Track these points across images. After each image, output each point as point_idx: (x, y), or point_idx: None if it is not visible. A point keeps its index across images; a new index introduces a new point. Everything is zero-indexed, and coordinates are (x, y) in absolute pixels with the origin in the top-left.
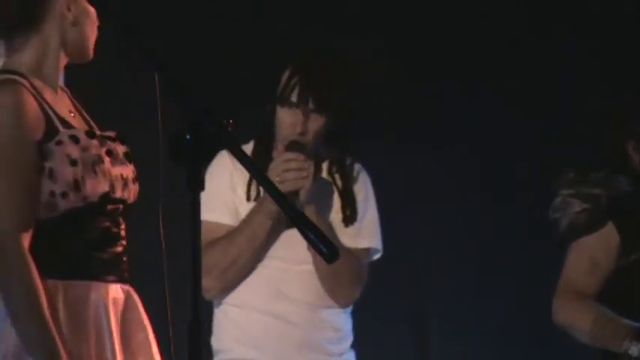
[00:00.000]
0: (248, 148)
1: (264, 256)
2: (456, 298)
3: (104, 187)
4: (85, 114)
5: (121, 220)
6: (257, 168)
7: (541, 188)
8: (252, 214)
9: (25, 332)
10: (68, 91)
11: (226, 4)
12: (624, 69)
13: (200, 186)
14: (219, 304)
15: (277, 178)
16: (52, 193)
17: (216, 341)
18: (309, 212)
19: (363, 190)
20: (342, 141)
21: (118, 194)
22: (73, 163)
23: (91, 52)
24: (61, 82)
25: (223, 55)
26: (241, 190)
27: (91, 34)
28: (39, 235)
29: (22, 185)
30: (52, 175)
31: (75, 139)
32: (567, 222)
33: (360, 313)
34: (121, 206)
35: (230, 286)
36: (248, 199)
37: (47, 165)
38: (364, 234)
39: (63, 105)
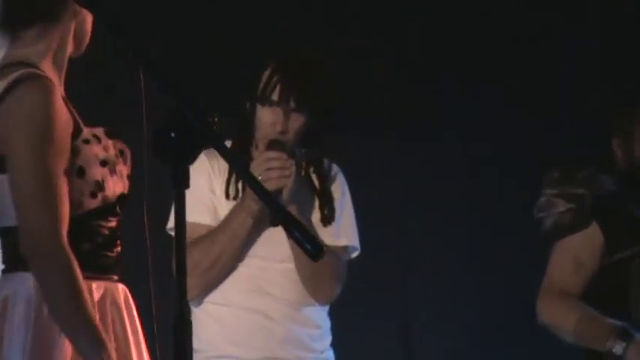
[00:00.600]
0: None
1: (246, 254)
2: (449, 297)
3: (121, 188)
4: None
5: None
6: (242, 165)
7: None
8: (233, 212)
9: (75, 334)
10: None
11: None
12: (625, 67)
13: (185, 183)
14: (200, 302)
15: (260, 177)
16: (81, 192)
17: (196, 341)
18: (292, 211)
19: (340, 189)
20: (319, 140)
21: (126, 193)
22: (103, 163)
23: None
24: None
25: (223, 53)
26: (220, 190)
27: (89, 28)
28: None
29: (60, 183)
30: (82, 173)
31: (97, 139)
32: (552, 222)
33: (346, 309)
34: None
35: (212, 285)
36: (227, 197)
37: (78, 163)
38: (342, 232)
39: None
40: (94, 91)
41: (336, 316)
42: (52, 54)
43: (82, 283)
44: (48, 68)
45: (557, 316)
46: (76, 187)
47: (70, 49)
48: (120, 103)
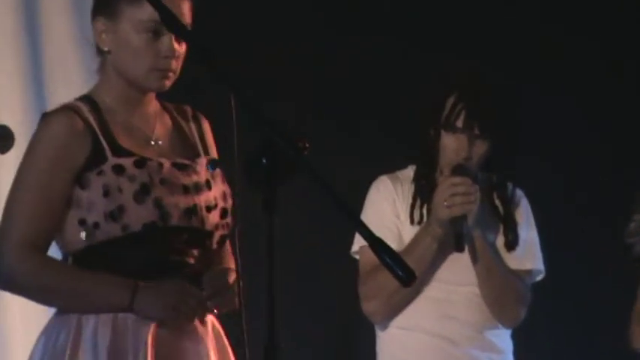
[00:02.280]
0: (407, 173)
1: (431, 278)
2: None
3: (151, 216)
4: (192, 138)
5: (188, 248)
6: (333, 190)
7: None
8: (418, 237)
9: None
10: (190, 113)
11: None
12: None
13: (276, 209)
14: (384, 327)
15: (445, 203)
16: (84, 222)
17: None
18: (477, 236)
19: (524, 213)
20: (503, 166)
21: (174, 222)
22: (107, 193)
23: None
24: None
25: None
26: (404, 215)
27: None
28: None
29: (40, 208)
30: (86, 204)
31: (119, 169)
32: None
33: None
34: (185, 235)
35: (397, 309)
36: (412, 222)
37: (84, 194)
38: (527, 256)
39: (143, 129)
40: None
41: (518, 338)
42: (113, 87)
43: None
44: (107, 101)
45: None
46: (78, 217)
47: (128, 81)
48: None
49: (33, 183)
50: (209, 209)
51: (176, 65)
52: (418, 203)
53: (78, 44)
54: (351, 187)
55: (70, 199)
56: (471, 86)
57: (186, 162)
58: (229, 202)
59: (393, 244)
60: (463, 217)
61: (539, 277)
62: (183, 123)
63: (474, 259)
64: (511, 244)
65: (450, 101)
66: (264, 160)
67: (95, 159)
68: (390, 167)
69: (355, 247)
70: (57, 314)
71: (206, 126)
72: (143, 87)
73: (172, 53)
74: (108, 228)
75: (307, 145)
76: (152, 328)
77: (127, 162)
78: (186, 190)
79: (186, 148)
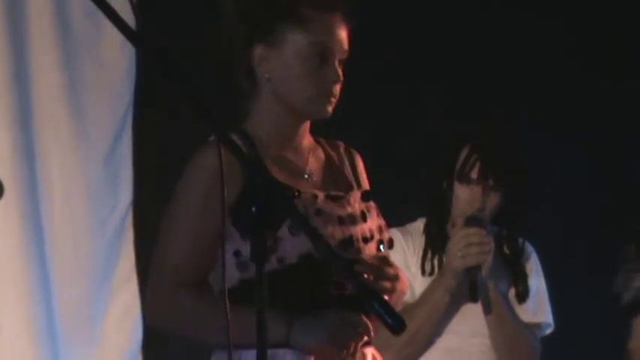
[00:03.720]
0: (416, 225)
1: (443, 330)
2: None
3: (305, 248)
4: (345, 173)
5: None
6: (321, 236)
7: None
8: (431, 288)
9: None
10: (343, 147)
11: None
12: None
13: (264, 257)
14: None
15: (460, 253)
16: (238, 254)
17: None
18: (491, 287)
19: (534, 267)
20: (514, 218)
21: (348, 254)
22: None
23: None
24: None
25: None
26: (415, 267)
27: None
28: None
29: (194, 242)
30: (240, 237)
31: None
32: (631, 297)
33: None
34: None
35: None
36: (423, 273)
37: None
38: (537, 309)
39: (296, 162)
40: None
41: None
42: (269, 119)
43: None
44: (263, 134)
45: None
46: (234, 249)
47: (289, 111)
48: None
49: (186, 217)
50: (365, 240)
51: (338, 90)
52: (429, 255)
53: (67, 92)
54: None
55: (225, 233)
56: (485, 138)
57: (340, 194)
58: (385, 235)
59: (405, 296)
60: (477, 268)
61: (549, 331)
62: (336, 157)
63: (487, 310)
64: (522, 296)
65: (464, 152)
66: (253, 209)
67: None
68: (400, 221)
69: None
70: (217, 350)
71: (358, 160)
72: (306, 114)
73: (338, 78)
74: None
75: (297, 193)
76: None
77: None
78: (341, 221)
79: (339, 182)
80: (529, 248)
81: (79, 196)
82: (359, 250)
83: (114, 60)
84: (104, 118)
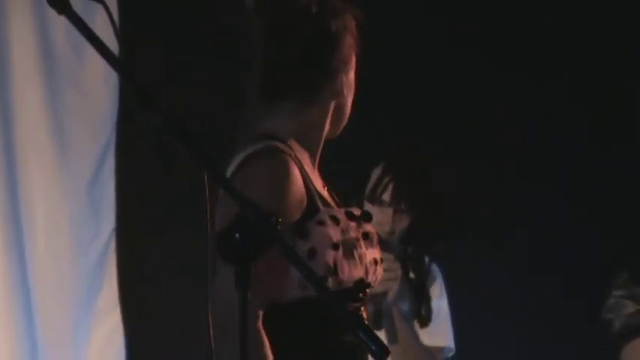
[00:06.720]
0: None
1: None
2: None
3: (359, 273)
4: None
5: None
6: (307, 265)
7: None
8: None
9: None
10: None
11: None
12: None
13: (248, 284)
14: None
15: None
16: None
17: None
18: (395, 314)
19: (439, 289)
20: (423, 240)
21: (370, 279)
22: (335, 246)
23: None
24: None
25: None
26: None
27: (348, 110)
28: (284, 316)
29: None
30: (312, 255)
31: (335, 220)
32: (621, 323)
33: None
34: (367, 291)
35: None
36: None
37: (307, 245)
38: (440, 332)
39: (317, 178)
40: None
41: None
42: (305, 131)
43: None
44: (295, 145)
45: None
46: (319, 262)
47: (326, 129)
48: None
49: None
50: (378, 264)
51: None
52: None
53: (51, 122)
54: None
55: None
56: (398, 159)
57: (356, 213)
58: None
59: None
60: (383, 295)
61: (450, 354)
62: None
63: (392, 339)
64: (424, 319)
65: (376, 173)
66: (237, 235)
67: (310, 207)
68: None
69: None
70: None
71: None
72: (339, 131)
73: None
74: (331, 282)
75: (280, 219)
76: None
77: (338, 213)
78: (374, 244)
79: (334, 198)
80: (435, 269)
81: (62, 225)
82: (375, 274)
83: (97, 90)
84: (87, 147)
